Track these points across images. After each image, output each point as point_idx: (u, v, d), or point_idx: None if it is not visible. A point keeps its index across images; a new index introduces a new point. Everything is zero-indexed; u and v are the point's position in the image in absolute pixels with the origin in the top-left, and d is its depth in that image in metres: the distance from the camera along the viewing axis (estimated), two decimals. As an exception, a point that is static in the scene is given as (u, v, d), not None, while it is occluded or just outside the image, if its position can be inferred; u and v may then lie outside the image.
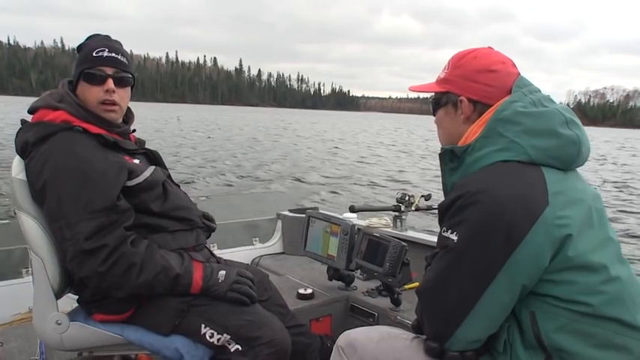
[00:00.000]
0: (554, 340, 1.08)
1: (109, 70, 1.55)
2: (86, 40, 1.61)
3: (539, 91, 1.24)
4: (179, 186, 1.77)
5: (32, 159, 1.46)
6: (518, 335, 1.12)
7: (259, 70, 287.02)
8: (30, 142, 1.47)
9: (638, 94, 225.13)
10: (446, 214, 1.15)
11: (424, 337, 1.25)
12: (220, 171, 14.29)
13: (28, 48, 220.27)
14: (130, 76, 1.61)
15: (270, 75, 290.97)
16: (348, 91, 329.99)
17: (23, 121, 1.56)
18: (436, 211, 1.25)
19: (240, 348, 1.50)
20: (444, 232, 1.15)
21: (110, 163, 1.47)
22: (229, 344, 1.51)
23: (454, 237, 1.11)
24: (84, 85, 1.56)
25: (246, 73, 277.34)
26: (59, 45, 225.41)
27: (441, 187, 1.31)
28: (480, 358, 1.17)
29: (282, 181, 12.98)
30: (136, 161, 1.59)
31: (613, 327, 1.08)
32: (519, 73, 1.26)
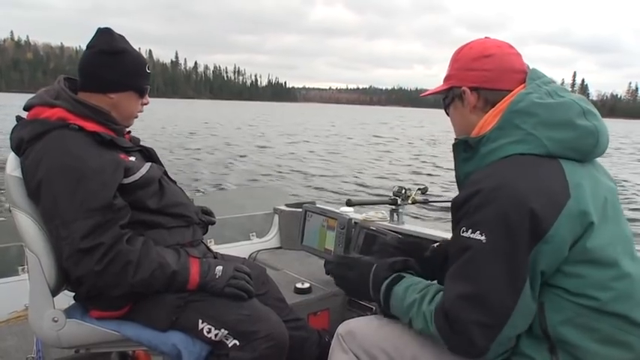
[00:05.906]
0: (560, 332, 1.08)
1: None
2: (125, 45, 1.60)
3: (554, 82, 1.22)
4: (175, 182, 1.76)
5: (27, 157, 1.45)
6: None
7: (195, 63, 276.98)
8: (25, 140, 1.46)
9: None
10: (461, 210, 1.12)
11: None
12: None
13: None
14: None
15: (206, 67, 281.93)
16: (285, 83, 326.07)
17: (19, 118, 1.55)
18: (433, 205, 1.25)
19: (237, 343, 1.50)
20: (463, 232, 1.09)
21: (106, 161, 1.46)
22: (227, 339, 1.51)
23: (481, 237, 1.05)
24: (132, 96, 1.62)
25: (183, 66, 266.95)
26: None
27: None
28: None
29: (278, 175, 12.98)
30: (132, 159, 1.58)
31: (618, 323, 1.08)
32: (519, 54, 1.26)
